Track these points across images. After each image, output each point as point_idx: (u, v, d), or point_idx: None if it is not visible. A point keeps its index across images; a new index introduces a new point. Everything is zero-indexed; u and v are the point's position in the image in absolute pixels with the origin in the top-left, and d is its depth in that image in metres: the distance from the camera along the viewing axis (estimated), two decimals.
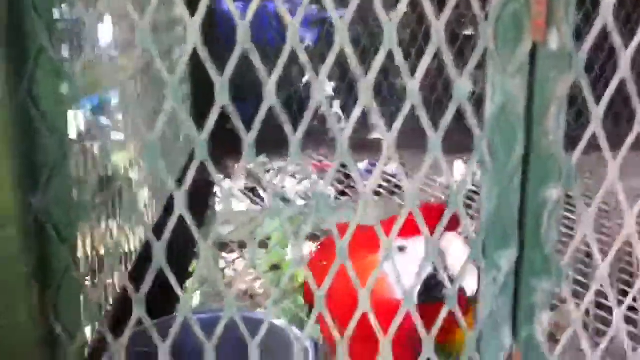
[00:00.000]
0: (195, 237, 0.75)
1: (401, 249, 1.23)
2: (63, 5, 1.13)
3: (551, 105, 0.75)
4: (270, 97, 0.71)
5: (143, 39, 0.68)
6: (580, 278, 2.01)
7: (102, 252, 1.26)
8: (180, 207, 0.73)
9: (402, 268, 0.96)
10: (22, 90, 0.68)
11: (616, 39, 0.74)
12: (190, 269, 2.18)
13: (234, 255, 2.47)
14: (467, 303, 1.27)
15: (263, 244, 2.46)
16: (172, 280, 0.74)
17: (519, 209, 0.79)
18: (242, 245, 2.45)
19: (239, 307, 1.90)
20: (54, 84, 0.68)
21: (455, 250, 1.17)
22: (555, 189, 0.78)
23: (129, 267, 1.56)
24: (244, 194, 2.89)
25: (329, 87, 3.40)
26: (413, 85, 0.74)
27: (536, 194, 0.78)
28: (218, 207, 2.74)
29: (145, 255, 1.34)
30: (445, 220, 0.77)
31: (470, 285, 1.10)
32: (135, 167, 1.63)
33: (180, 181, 0.74)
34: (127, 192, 0.71)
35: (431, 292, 1.16)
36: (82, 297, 0.79)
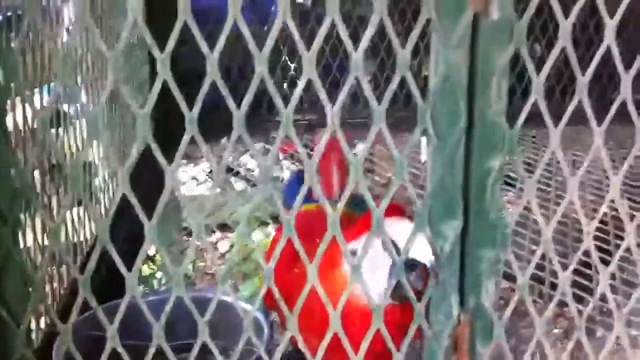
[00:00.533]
0: (139, 215, 0.74)
1: (353, 253, 1.19)
2: None
3: (493, 76, 0.76)
4: (213, 73, 0.70)
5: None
6: (535, 247, 2.04)
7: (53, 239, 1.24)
8: (125, 187, 0.71)
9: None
10: None
11: (556, 8, 0.75)
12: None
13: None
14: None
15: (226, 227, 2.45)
16: (117, 259, 0.73)
17: (463, 179, 0.80)
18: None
19: (191, 288, 1.90)
20: None
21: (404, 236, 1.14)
22: (498, 158, 0.79)
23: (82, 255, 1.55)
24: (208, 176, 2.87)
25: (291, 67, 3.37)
26: (357, 57, 0.73)
27: (480, 164, 0.79)
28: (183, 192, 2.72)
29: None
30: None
31: (424, 256, 1.09)
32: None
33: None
34: (77, 179, 0.70)
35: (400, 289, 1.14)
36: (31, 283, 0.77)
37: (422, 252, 1.04)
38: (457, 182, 0.79)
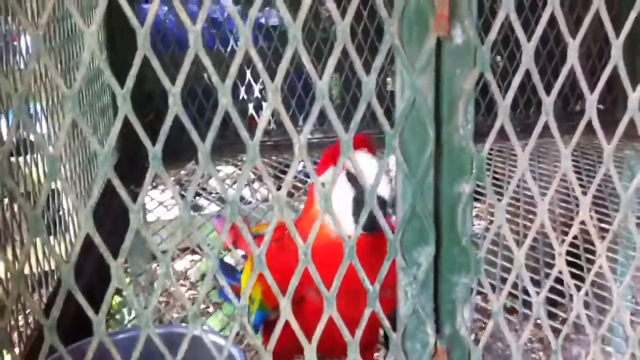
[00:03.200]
0: (104, 255, 0.71)
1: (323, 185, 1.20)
2: None
3: (459, 100, 0.76)
4: (175, 107, 0.69)
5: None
6: (508, 264, 2.04)
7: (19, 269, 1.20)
8: (89, 226, 0.69)
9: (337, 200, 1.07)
10: None
11: (518, 31, 0.75)
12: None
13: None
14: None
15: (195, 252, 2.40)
16: (82, 302, 0.71)
17: (434, 204, 0.79)
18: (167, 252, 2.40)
19: (160, 325, 1.86)
20: None
21: (368, 169, 1.05)
22: (468, 183, 0.78)
23: (50, 289, 1.50)
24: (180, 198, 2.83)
25: (257, 88, 3.34)
26: (322, 85, 0.72)
27: (450, 189, 0.79)
28: (149, 217, 2.68)
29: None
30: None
31: (383, 192, 1.11)
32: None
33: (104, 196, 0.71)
34: (39, 222, 0.67)
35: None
36: None
37: (383, 187, 1.10)
38: (428, 208, 0.78)
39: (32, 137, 1.37)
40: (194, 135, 0.70)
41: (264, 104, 3.38)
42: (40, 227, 0.71)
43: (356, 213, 1.15)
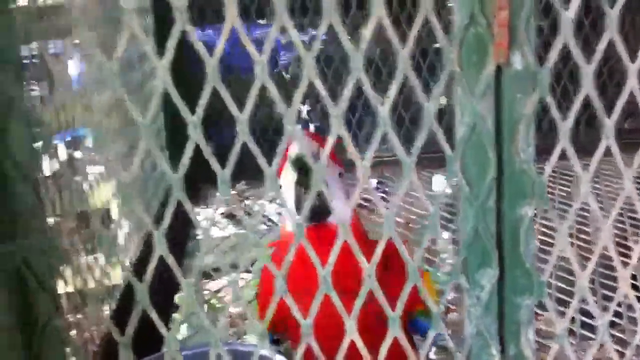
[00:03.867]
0: (176, 276, 0.75)
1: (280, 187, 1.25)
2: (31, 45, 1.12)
3: (520, 125, 0.77)
4: (243, 135, 0.72)
5: (111, 80, 0.68)
6: (565, 286, 2.01)
7: (83, 286, 1.24)
8: (162, 249, 0.73)
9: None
10: None
11: (577, 56, 0.76)
12: (177, 300, 2.17)
13: (219, 282, 2.45)
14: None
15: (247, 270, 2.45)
16: (157, 321, 0.74)
17: (496, 227, 0.80)
18: (219, 271, 2.45)
19: (226, 340, 1.90)
20: (25, 132, 0.69)
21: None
22: (530, 205, 0.79)
23: (112, 304, 1.55)
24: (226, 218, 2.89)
25: (304, 109, 3.38)
26: (383, 111, 0.75)
27: (512, 211, 0.79)
28: (199, 235, 2.74)
29: (128, 292, 1.33)
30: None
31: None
32: (114, 201, 1.61)
33: (159, 217, 0.74)
34: (106, 228, 0.71)
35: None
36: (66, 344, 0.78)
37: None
38: (490, 231, 0.79)
39: (101, 161, 1.43)
40: (262, 161, 0.73)
41: (311, 125, 3.44)
42: (114, 250, 0.75)
43: (299, 207, 1.20)
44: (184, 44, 0.70)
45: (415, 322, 1.37)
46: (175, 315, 2.02)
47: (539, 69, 0.75)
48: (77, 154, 1.48)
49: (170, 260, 0.75)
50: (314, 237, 0.96)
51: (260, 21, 3.03)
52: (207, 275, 2.45)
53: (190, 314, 2.02)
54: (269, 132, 2.95)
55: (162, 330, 0.75)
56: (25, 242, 0.71)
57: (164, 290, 0.77)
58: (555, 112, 0.76)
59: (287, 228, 1.30)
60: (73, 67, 1.58)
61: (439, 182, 2.99)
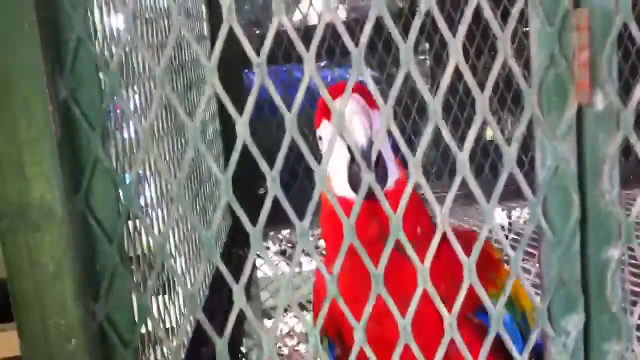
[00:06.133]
0: (257, 329, 0.74)
1: (320, 139, 1.14)
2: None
3: (603, 165, 0.75)
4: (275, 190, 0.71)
5: (194, 137, 0.68)
6: None
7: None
8: (242, 302, 0.72)
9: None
10: (79, 201, 0.69)
11: None
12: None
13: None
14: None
15: (303, 307, 2.44)
16: None
17: (581, 271, 0.77)
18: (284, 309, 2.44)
19: None
20: (110, 193, 0.69)
21: (353, 117, 1.00)
22: (616, 248, 0.77)
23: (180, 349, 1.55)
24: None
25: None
26: (462, 157, 0.73)
27: (597, 255, 0.77)
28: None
29: (198, 338, 1.33)
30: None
31: (359, 141, 0.99)
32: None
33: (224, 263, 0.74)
34: (174, 273, 0.71)
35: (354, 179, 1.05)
36: None
37: (359, 138, 0.99)
38: (576, 276, 0.77)
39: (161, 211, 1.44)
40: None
41: None
42: (195, 304, 0.75)
43: (350, 181, 1.06)
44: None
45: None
46: None
47: (623, 108, 0.73)
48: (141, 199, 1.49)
49: (249, 314, 0.74)
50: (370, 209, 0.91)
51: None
52: (265, 314, 2.45)
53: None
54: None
55: None
56: (108, 300, 0.71)
57: (231, 340, 0.77)
58: (639, 150, 0.74)
59: (335, 192, 1.07)
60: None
61: (498, 216, 2.94)
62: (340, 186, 1.06)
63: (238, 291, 0.73)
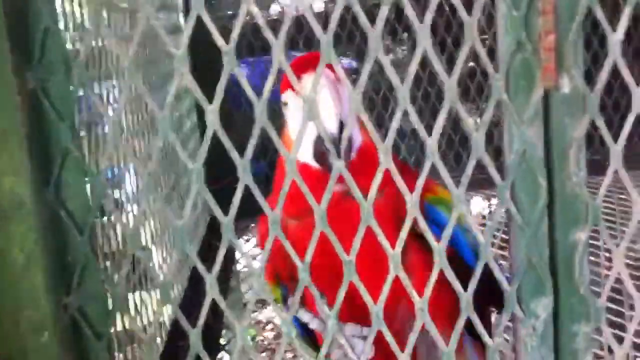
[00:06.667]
0: (230, 319, 0.74)
1: (284, 104, 1.13)
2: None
3: (570, 149, 0.76)
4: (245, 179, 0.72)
5: (163, 127, 0.68)
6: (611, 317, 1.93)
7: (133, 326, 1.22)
8: (214, 293, 0.72)
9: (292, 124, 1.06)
10: (49, 193, 0.69)
11: (627, 77, 0.75)
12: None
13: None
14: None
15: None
16: None
17: (550, 254, 0.78)
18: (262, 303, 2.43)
19: None
20: (80, 184, 0.69)
21: (324, 100, 1.00)
22: (584, 231, 0.78)
23: (160, 346, 1.54)
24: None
25: None
26: (432, 143, 0.74)
27: (565, 238, 0.78)
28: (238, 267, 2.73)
29: (175, 334, 1.33)
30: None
31: (329, 127, 1.00)
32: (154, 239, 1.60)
33: (203, 257, 0.74)
34: (150, 268, 0.71)
35: (320, 157, 1.05)
36: None
37: (329, 123, 0.99)
38: (544, 259, 0.78)
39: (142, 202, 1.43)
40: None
41: None
42: (168, 297, 0.75)
43: (315, 154, 1.06)
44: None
45: (429, 210, 1.16)
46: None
47: (588, 92, 0.74)
48: (117, 193, 1.48)
49: (223, 305, 0.74)
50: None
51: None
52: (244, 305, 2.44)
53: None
54: None
55: None
56: (79, 292, 0.71)
57: (210, 332, 0.76)
58: (607, 136, 0.75)
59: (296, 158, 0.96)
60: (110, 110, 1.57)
61: (479, 205, 2.96)
62: (302, 153, 1.05)
63: (211, 281, 0.73)
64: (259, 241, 1.34)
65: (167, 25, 1.98)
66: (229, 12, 2.96)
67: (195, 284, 1.59)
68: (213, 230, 1.98)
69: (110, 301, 0.73)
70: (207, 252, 1.81)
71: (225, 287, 2.54)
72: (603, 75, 0.74)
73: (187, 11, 2.14)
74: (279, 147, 0.72)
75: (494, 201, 3.18)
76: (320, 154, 1.04)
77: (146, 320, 1.55)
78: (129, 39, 1.32)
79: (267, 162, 2.62)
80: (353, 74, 2.90)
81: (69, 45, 0.91)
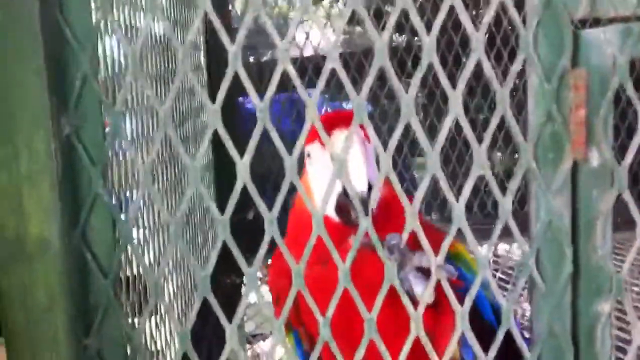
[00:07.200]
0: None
1: (307, 155, 1.13)
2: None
3: (597, 221, 0.76)
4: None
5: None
6: None
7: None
8: (233, 343, 0.72)
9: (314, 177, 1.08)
10: (76, 236, 0.69)
11: None
12: None
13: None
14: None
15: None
16: None
17: (572, 324, 0.78)
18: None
19: None
20: (107, 228, 0.69)
21: (354, 159, 1.01)
22: (607, 302, 0.77)
23: None
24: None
25: None
26: (459, 209, 0.74)
27: (588, 308, 0.78)
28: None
29: None
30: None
31: (359, 187, 1.00)
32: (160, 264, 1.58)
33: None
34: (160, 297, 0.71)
35: (343, 212, 1.07)
36: None
37: (361, 181, 1.01)
38: (566, 328, 0.77)
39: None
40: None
41: None
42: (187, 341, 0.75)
43: (338, 209, 1.07)
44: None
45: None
46: None
47: (617, 166, 0.74)
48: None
49: (242, 356, 0.74)
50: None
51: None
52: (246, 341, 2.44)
53: None
54: None
55: None
56: (100, 335, 0.71)
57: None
58: (635, 212, 0.75)
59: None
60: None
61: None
62: (324, 205, 1.05)
63: (231, 331, 0.73)
64: (270, 285, 1.34)
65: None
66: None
67: (203, 315, 1.58)
68: (220, 263, 1.97)
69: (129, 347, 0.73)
70: (215, 288, 1.80)
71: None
72: (631, 151, 0.74)
73: (208, 49, 2.14)
74: (307, 203, 0.72)
75: (503, 246, 3.15)
76: (342, 208, 1.05)
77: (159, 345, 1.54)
78: (157, 77, 1.34)
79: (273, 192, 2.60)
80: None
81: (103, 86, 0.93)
